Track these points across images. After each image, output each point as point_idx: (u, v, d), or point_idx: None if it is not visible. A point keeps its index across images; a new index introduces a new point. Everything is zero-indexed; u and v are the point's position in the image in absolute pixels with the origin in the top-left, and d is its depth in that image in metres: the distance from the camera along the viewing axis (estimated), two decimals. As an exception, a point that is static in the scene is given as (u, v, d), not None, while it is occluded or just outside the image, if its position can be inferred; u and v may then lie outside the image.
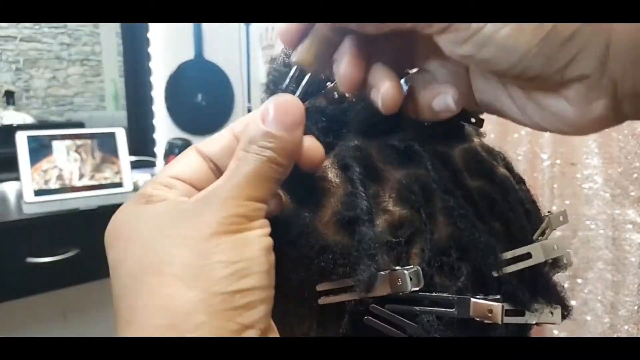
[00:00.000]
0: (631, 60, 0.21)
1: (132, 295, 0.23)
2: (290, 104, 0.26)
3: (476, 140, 0.33)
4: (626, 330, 0.84)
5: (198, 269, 0.22)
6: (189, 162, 0.28)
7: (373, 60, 0.29)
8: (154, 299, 0.22)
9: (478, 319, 0.25)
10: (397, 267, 0.26)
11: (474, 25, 0.23)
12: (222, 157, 0.28)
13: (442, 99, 0.28)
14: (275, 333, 0.25)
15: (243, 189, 0.24)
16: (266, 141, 0.25)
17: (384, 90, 0.27)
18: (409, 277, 0.25)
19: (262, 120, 0.25)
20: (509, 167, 0.33)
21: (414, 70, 0.31)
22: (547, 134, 0.94)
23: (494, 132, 1.00)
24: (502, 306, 0.25)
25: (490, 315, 0.25)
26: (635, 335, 0.83)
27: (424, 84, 0.29)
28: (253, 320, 0.23)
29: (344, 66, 0.28)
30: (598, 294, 0.88)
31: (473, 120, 0.32)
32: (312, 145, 0.27)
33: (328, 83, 0.31)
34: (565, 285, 0.91)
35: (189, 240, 0.23)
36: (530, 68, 0.23)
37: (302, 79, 0.29)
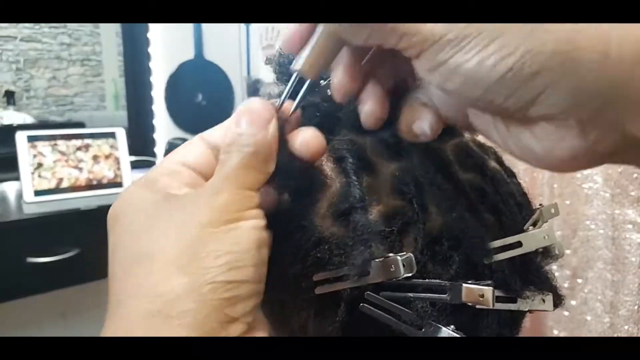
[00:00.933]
0: (602, 99, 0.21)
1: (124, 278, 0.24)
2: (257, 104, 0.27)
3: (468, 135, 0.34)
4: (626, 330, 0.84)
5: (190, 257, 0.23)
6: (195, 149, 0.29)
7: (373, 74, 0.29)
8: (144, 283, 0.23)
9: (470, 304, 0.26)
10: (390, 254, 0.27)
11: (442, 56, 0.23)
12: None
13: (419, 124, 0.28)
14: (263, 326, 0.25)
15: (232, 178, 0.25)
16: (243, 140, 0.26)
17: (368, 111, 0.29)
18: (402, 263, 0.26)
19: (235, 124, 0.27)
20: (499, 161, 0.34)
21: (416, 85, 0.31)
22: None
23: (494, 132, 1.00)
24: (493, 290, 0.26)
25: (481, 299, 0.26)
26: (635, 335, 0.83)
27: (411, 103, 0.29)
28: (240, 313, 0.23)
29: (338, 76, 0.29)
30: (598, 294, 0.88)
31: None
32: (312, 135, 0.28)
33: (322, 81, 0.31)
34: (565, 285, 0.91)
35: (182, 228, 0.24)
36: (494, 101, 0.23)
37: (302, 86, 0.29)
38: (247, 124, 0.27)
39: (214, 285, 0.22)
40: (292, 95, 0.29)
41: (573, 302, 0.91)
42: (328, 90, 0.31)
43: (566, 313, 0.93)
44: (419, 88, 0.30)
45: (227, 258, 0.23)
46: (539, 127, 0.23)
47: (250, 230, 0.24)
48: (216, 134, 0.29)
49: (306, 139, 0.28)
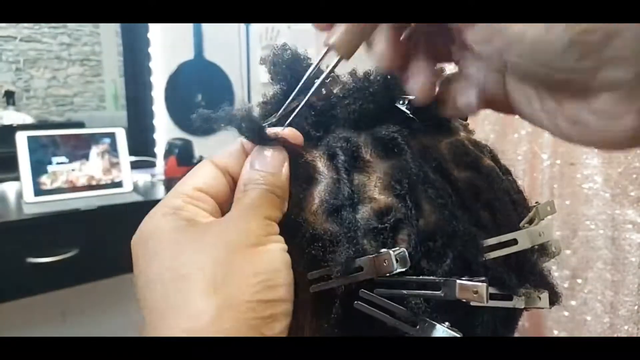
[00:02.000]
0: None
1: (161, 300, 0.24)
2: (271, 152, 0.29)
3: (463, 134, 0.34)
4: (626, 330, 0.84)
5: (225, 277, 0.24)
6: (209, 175, 0.29)
7: (412, 49, 0.29)
8: (182, 304, 0.23)
9: (464, 300, 0.26)
10: (384, 249, 0.27)
11: (503, 23, 0.22)
12: (237, 169, 0.30)
13: (465, 97, 0.28)
14: None
15: (256, 208, 0.27)
16: (258, 178, 0.28)
17: (421, 85, 0.29)
18: (395, 258, 0.26)
19: (250, 166, 0.29)
20: (495, 158, 0.34)
21: (450, 65, 0.31)
22: (547, 134, 0.94)
23: (493, 132, 1.00)
24: (487, 286, 0.26)
25: (475, 295, 0.26)
26: (635, 335, 0.83)
27: (452, 79, 0.29)
28: (275, 332, 0.24)
29: (382, 47, 0.28)
30: (598, 294, 0.88)
31: None
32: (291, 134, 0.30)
33: (316, 80, 0.31)
34: (565, 285, 0.91)
35: (214, 251, 0.25)
36: (559, 70, 0.21)
37: (307, 82, 0.30)
38: (261, 166, 0.28)
39: (251, 304, 0.23)
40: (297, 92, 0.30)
41: (573, 303, 0.91)
42: (323, 89, 0.31)
43: (566, 313, 0.93)
44: (460, 66, 0.29)
45: (261, 278, 0.24)
46: (600, 99, 0.21)
47: (278, 252, 0.26)
48: (226, 157, 0.30)
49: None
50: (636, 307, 0.84)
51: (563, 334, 0.93)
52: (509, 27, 0.22)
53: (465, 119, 0.34)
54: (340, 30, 0.27)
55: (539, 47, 0.21)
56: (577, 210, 0.91)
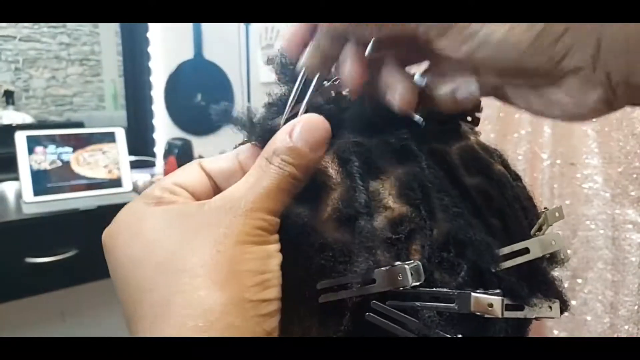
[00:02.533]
0: (622, 52, 0.22)
1: (164, 291, 0.24)
2: (318, 124, 0.27)
3: (472, 138, 0.33)
4: (626, 330, 0.84)
5: (230, 274, 0.24)
6: (193, 175, 0.29)
7: (381, 60, 0.29)
8: (189, 299, 0.23)
9: (478, 314, 0.26)
10: (398, 262, 0.26)
11: (472, 28, 0.24)
12: (223, 179, 0.29)
13: (465, 88, 0.28)
14: None
15: (264, 201, 0.25)
16: (290, 156, 0.26)
17: (399, 93, 0.28)
18: (410, 272, 0.25)
19: (289, 135, 0.26)
20: (505, 164, 0.33)
21: (422, 65, 0.31)
22: (546, 134, 0.94)
23: (493, 131, 1.00)
24: (503, 300, 0.26)
25: (490, 309, 0.26)
26: (635, 335, 0.83)
27: (440, 77, 0.29)
28: (273, 328, 0.25)
29: (349, 66, 0.28)
30: (598, 294, 0.88)
31: (469, 118, 0.32)
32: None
33: (325, 82, 0.31)
34: (565, 285, 0.91)
35: (219, 245, 0.24)
36: (527, 65, 0.24)
37: (309, 85, 0.29)
38: (300, 140, 0.26)
39: (254, 303, 0.24)
40: (299, 96, 0.29)
41: (573, 303, 0.90)
42: (332, 91, 0.31)
43: (566, 313, 0.93)
44: (430, 69, 0.30)
45: (261, 278, 0.24)
46: (568, 81, 0.24)
47: (276, 253, 0.26)
48: (215, 163, 0.30)
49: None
50: (636, 307, 0.84)
51: (563, 334, 0.93)
52: (474, 33, 0.24)
53: (476, 124, 0.33)
54: (307, 52, 0.28)
55: (504, 47, 0.23)
56: (577, 210, 0.91)
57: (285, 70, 0.31)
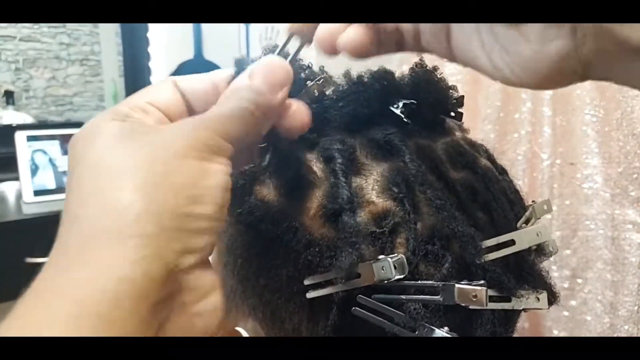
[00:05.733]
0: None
1: (83, 195, 0.23)
2: (277, 65, 0.27)
3: (458, 134, 0.34)
4: (626, 330, 0.85)
5: (155, 185, 0.22)
6: (167, 93, 0.28)
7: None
8: (104, 201, 0.22)
9: (463, 304, 0.26)
10: (382, 256, 0.26)
11: None
12: (197, 98, 0.28)
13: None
14: (213, 275, 0.24)
15: (215, 123, 0.25)
16: (248, 93, 0.25)
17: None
18: (393, 265, 0.26)
19: (248, 76, 0.26)
20: (491, 159, 0.34)
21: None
22: (546, 134, 0.94)
23: (493, 132, 1.00)
24: (486, 290, 0.26)
25: (474, 299, 0.26)
26: (635, 335, 0.83)
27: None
28: (197, 247, 0.23)
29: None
30: (598, 294, 0.88)
31: (452, 114, 0.33)
32: (298, 109, 0.28)
33: (308, 82, 0.31)
34: (565, 286, 0.91)
35: (154, 154, 0.23)
36: None
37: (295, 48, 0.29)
38: (259, 79, 0.26)
39: (176, 215, 0.22)
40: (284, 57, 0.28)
41: (573, 303, 0.91)
42: (316, 91, 0.31)
43: (566, 313, 0.93)
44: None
45: (190, 192, 0.23)
46: (529, 26, 0.23)
47: (219, 172, 0.24)
48: (190, 82, 0.29)
49: (290, 112, 0.28)
50: (636, 307, 0.84)
51: (563, 334, 0.93)
52: None
53: (459, 119, 0.34)
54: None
55: None
56: (577, 210, 0.91)
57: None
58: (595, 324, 0.89)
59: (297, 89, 0.31)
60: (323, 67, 0.33)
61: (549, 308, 0.30)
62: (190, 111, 0.28)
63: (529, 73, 0.24)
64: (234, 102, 0.25)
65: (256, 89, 0.26)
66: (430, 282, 0.27)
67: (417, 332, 0.26)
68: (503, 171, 0.34)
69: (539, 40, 0.23)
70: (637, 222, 0.84)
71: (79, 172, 0.24)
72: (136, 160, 0.23)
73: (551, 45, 0.22)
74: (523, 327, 1.07)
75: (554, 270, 0.94)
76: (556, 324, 0.94)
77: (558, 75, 0.24)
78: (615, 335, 0.86)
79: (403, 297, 0.26)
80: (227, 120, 0.25)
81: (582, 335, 0.89)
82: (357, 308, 0.27)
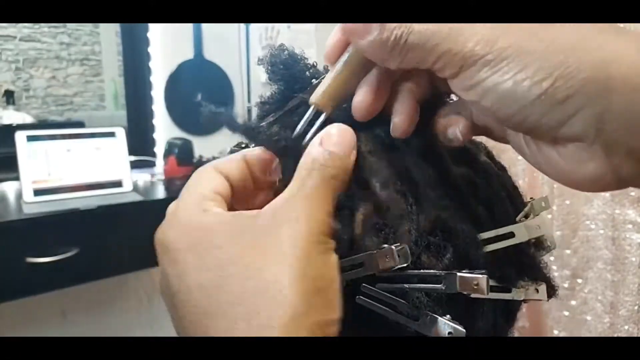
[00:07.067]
0: (626, 127, 0.22)
1: (234, 301, 0.24)
2: (347, 130, 0.28)
3: None
4: (626, 330, 0.85)
5: (300, 290, 0.24)
6: (214, 180, 0.29)
7: (402, 85, 0.30)
8: (271, 319, 0.23)
9: (465, 293, 0.26)
10: (385, 245, 0.27)
11: (480, 76, 0.24)
12: (237, 179, 0.30)
13: (453, 130, 0.29)
14: None
15: (316, 203, 0.26)
16: (329, 160, 0.27)
17: (397, 121, 0.29)
18: (397, 253, 0.26)
19: (322, 143, 0.27)
20: (490, 155, 0.35)
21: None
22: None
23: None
24: (487, 279, 0.26)
25: (476, 288, 0.26)
26: (635, 335, 0.83)
27: (445, 113, 0.30)
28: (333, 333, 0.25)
29: (362, 95, 0.29)
30: (598, 294, 0.88)
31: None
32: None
33: (313, 80, 0.31)
34: (565, 285, 0.91)
35: (290, 257, 0.24)
36: (527, 121, 0.24)
37: (317, 118, 0.30)
38: (335, 145, 0.27)
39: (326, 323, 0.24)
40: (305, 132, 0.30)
41: (573, 302, 0.91)
42: None
43: (566, 313, 0.93)
44: (452, 100, 0.31)
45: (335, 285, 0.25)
46: (567, 148, 0.24)
47: (337, 262, 0.26)
48: (228, 164, 0.30)
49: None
50: (636, 307, 0.84)
51: (563, 334, 0.93)
52: (482, 80, 0.24)
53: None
54: (322, 87, 0.29)
55: (508, 98, 0.23)
56: (577, 210, 0.91)
57: (275, 69, 0.32)
58: (595, 324, 0.89)
59: (302, 86, 0.31)
60: (327, 66, 0.33)
61: (548, 300, 0.31)
62: (233, 191, 0.30)
63: (569, 182, 0.25)
64: (319, 172, 0.27)
65: (335, 154, 0.27)
66: (432, 271, 0.27)
67: (419, 320, 0.26)
68: (502, 168, 0.35)
69: (575, 161, 0.24)
70: (637, 222, 0.84)
71: (206, 273, 0.25)
72: (278, 271, 0.24)
73: (588, 166, 0.24)
74: (523, 327, 1.07)
75: (555, 270, 0.94)
76: (556, 324, 0.94)
77: (597, 188, 0.25)
78: (615, 335, 0.86)
79: (406, 286, 0.27)
80: (323, 193, 0.26)
81: (582, 335, 0.89)
82: (361, 297, 0.27)
